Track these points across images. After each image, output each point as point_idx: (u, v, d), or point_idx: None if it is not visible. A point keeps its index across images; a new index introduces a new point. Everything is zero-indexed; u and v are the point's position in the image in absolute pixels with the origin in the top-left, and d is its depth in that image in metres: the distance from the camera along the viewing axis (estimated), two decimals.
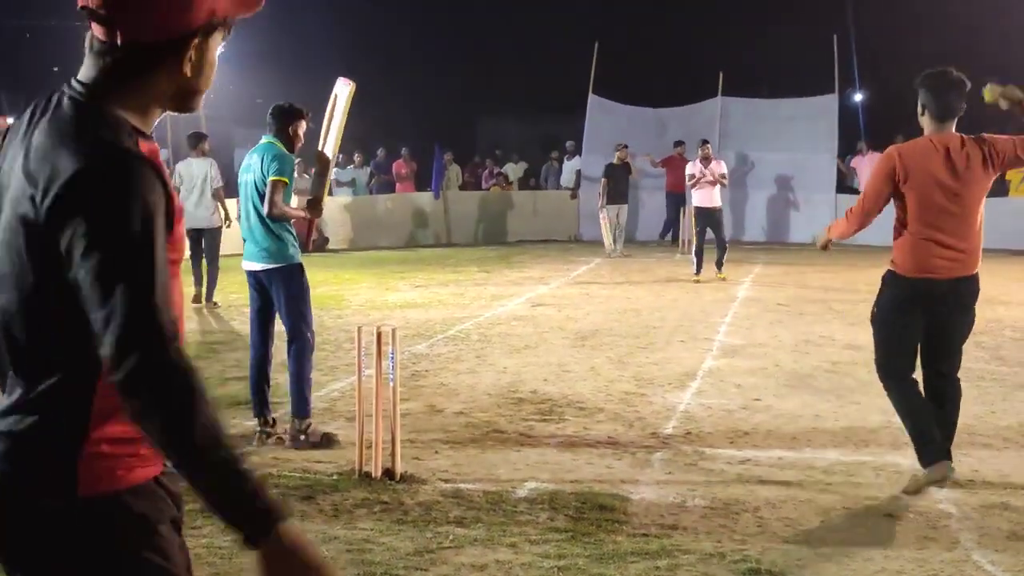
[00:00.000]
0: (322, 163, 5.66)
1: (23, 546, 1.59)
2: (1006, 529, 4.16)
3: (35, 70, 24.14)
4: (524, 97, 28.22)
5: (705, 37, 25.66)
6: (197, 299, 10.62)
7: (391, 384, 4.81)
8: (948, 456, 4.54)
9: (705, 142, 13.97)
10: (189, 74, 1.61)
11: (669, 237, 17.65)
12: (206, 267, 10.70)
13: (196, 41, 1.60)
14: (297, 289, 5.45)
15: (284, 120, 5.55)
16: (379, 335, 4.82)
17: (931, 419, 4.57)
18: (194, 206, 10.47)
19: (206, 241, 10.66)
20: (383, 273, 13.46)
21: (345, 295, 11.42)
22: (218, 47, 1.67)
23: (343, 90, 5.62)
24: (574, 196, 19.36)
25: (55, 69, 20.25)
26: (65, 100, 1.59)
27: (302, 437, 5.37)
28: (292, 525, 1.53)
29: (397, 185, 19.62)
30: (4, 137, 1.66)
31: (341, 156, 20.26)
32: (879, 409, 6.15)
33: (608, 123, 19.13)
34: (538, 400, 6.41)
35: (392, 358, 4.78)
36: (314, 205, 5.63)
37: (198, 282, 10.71)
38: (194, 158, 10.89)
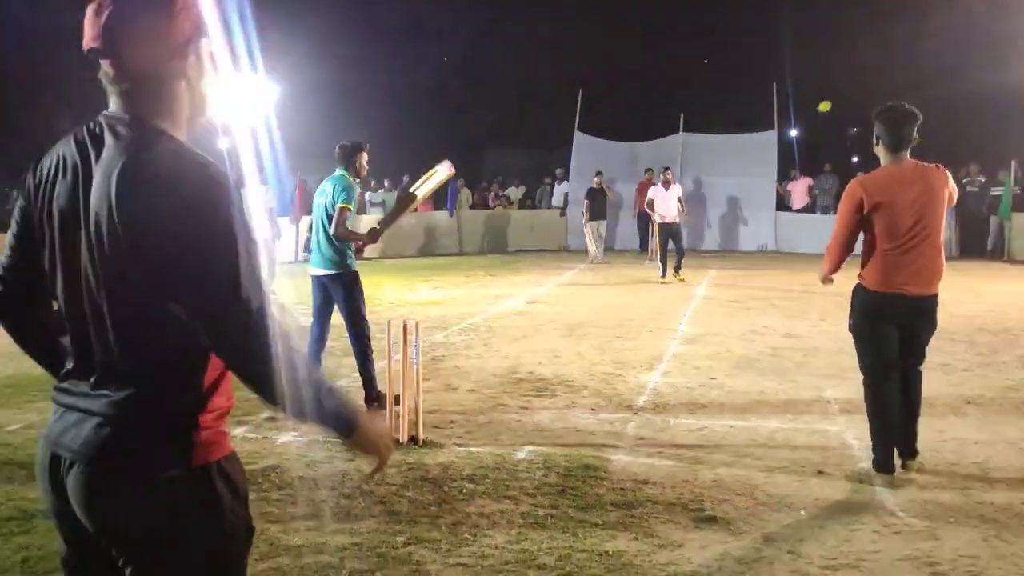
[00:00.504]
0: (399, 206, 5.64)
1: (133, 515, 1.48)
2: (915, 483, 4.14)
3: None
4: (523, 133, 28.22)
5: (669, 85, 25.67)
6: None
7: (415, 367, 4.79)
8: (912, 454, 4.23)
9: (667, 169, 13.91)
10: (195, 82, 1.57)
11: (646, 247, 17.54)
12: None
13: (192, 52, 1.55)
14: (352, 292, 5.51)
15: (350, 155, 5.62)
16: (405, 327, 4.81)
17: (894, 426, 4.23)
18: None
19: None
20: (407, 277, 13.42)
21: (376, 295, 11.38)
22: (207, 56, 1.59)
23: (444, 172, 5.64)
24: (563, 214, 19.36)
25: None
26: (125, 130, 1.50)
27: (375, 404, 5.39)
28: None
29: (418, 206, 19.60)
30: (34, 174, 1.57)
31: (373, 182, 20.28)
32: (811, 386, 6.15)
33: (590, 155, 19.14)
34: (534, 379, 6.39)
35: (416, 346, 4.77)
36: (373, 233, 5.58)
37: None
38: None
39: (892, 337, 4.21)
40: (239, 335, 1.46)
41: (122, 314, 1.49)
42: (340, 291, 5.50)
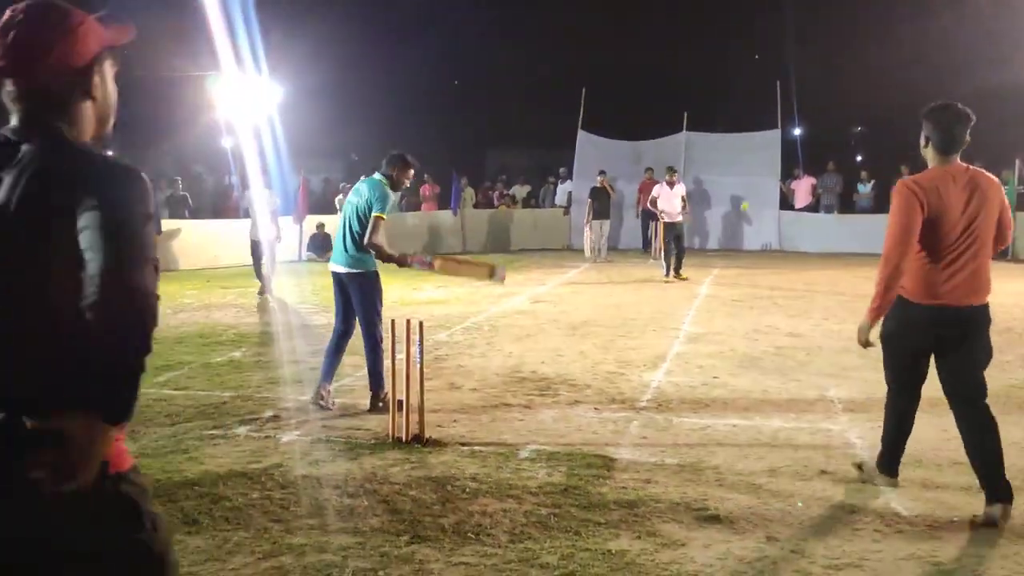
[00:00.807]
0: (435, 267, 5.64)
1: (54, 524, 1.56)
2: (918, 482, 4.14)
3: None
4: (526, 132, 28.23)
5: (672, 83, 25.65)
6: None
7: (418, 366, 4.80)
8: (1007, 497, 3.60)
9: (672, 170, 13.89)
10: (99, 99, 1.66)
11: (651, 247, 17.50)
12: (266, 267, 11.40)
13: (96, 71, 1.63)
14: (371, 292, 5.49)
15: (396, 166, 5.59)
16: (408, 326, 4.81)
17: (904, 439, 4.01)
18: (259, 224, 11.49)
19: (258, 250, 11.39)
20: (411, 276, 13.40)
21: None
22: (112, 73, 1.69)
23: (497, 277, 5.74)
24: (566, 213, 19.35)
25: None
26: (37, 139, 1.58)
27: (380, 404, 5.40)
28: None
29: (423, 205, 19.62)
30: None
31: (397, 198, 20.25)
32: (814, 386, 6.15)
33: (594, 154, 19.14)
34: (537, 379, 6.39)
35: (419, 345, 4.77)
36: (402, 259, 5.53)
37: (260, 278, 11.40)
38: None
39: (925, 354, 3.86)
40: (115, 312, 1.55)
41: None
42: (358, 290, 5.49)
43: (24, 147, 1.59)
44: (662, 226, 13.40)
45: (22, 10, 1.59)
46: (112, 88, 1.70)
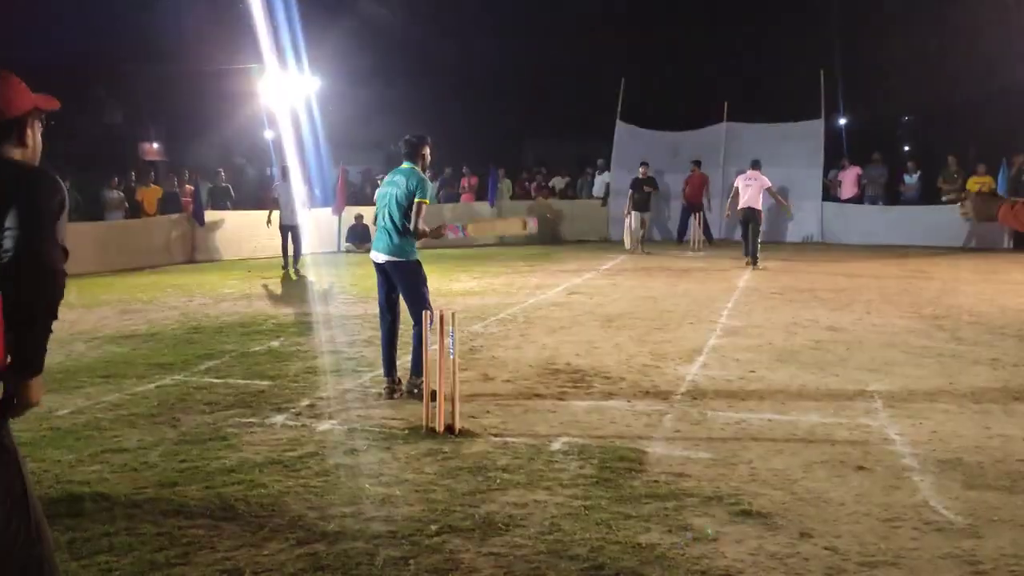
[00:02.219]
0: (468, 232, 6.08)
1: None
2: (959, 480, 4.05)
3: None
4: (563, 123, 28.13)
5: (713, 72, 25.34)
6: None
7: (452, 357, 4.83)
8: None
9: (755, 162, 14.20)
10: (28, 146, 2.23)
11: (687, 237, 17.34)
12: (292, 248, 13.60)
13: (27, 123, 2.21)
14: (416, 279, 5.60)
15: (416, 149, 5.71)
16: (442, 317, 4.84)
17: None
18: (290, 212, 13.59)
19: (293, 233, 13.56)
20: (448, 267, 13.50)
21: None
22: (39, 129, 2.30)
23: (530, 228, 6.06)
24: (604, 204, 19.27)
25: None
26: None
27: (415, 390, 5.49)
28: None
29: (461, 195, 19.68)
30: None
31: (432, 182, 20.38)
32: (854, 380, 6.05)
33: (632, 144, 19.02)
34: (571, 371, 6.38)
35: (452, 336, 4.80)
36: (436, 234, 5.79)
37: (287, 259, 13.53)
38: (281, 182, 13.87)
39: None
40: (26, 269, 2.15)
41: None
42: (403, 278, 5.58)
43: None
44: (740, 214, 13.70)
45: None
46: (39, 139, 2.28)
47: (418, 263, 5.63)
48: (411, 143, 5.73)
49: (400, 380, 5.69)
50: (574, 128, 27.36)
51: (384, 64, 24.05)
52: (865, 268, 13.16)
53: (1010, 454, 4.42)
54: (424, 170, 5.73)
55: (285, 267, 13.46)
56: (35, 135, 2.25)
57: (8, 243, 2.14)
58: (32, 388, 2.24)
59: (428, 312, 5.27)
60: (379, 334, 5.92)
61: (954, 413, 5.20)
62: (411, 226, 5.53)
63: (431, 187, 5.67)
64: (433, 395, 4.87)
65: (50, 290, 2.18)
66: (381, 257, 5.63)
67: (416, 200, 5.52)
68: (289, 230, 13.54)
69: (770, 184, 13.88)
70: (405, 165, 5.73)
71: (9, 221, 2.14)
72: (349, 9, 22.97)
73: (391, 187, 5.66)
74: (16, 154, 2.24)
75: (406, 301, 5.63)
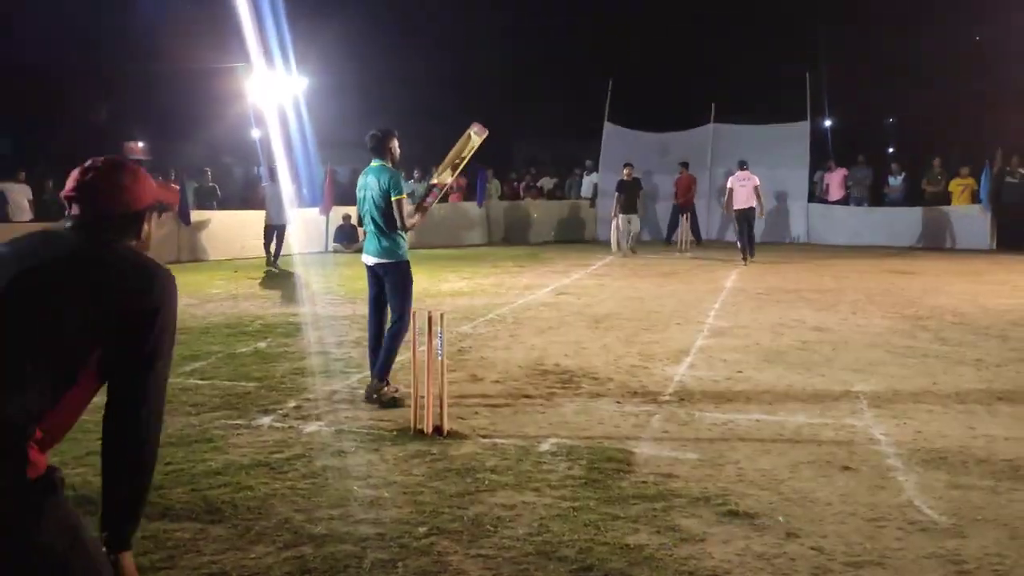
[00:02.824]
0: (441, 187, 5.81)
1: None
2: (943, 480, 4.08)
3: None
4: (552, 124, 28.16)
5: (700, 74, 25.43)
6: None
7: (440, 358, 4.82)
8: None
9: (743, 163, 14.87)
10: (143, 239, 2.09)
11: (675, 238, 17.34)
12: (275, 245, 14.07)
13: (145, 217, 2.07)
14: (404, 281, 5.58)
15: (383, 143, 5.64)
16: (430, 318, 4.83)
17: None
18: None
19: (279, 233, 14.10)
20: (437, 267, 13.49)
21: None
22: (155, 221, 2.16)
23: (475, 132, 5.79)
24: (592, 205, 19.30)
25: None
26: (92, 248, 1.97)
27: (375, 396, 5.45)
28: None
29: (449, 196, 19.65)
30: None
31: (403, 172, 20.35)
32: (840, 381, 6.08)
33: (620, 145, 19.06)
34: (560, 371, 6.39)
35: (441, 336, 4.79)
36: (424, 211, 5.72)
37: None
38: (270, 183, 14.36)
39: None
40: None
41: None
42: (393, 280, 5.57)
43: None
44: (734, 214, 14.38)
45: (102, 161, 2.04)
46: (152, 231, 2.13)
47: (407, 264, 5.63)
48: (377, 137, 5.64)
49: (389, 382, 5.66)
50: (562, 129, 27.40)
51: (372, 64, 24.00)
52: (850, 269, 13.24)
53: (994, 454, 4.45)
54: (394, 164, 5.67)
55: (269, 264, 13.88)
56: (151, 227, 2.15)
57: (126, 379, 1.86)
58: (124, 567, 1.89)
59: (406, 318, 5.30)
60: (366, 335, 5.90)
61: (938, 413, 5.24)
62: (399, 226, 5.52)
63: (402, 177, 5.63)
64: (396, 402, 4.83)
65: (148, 456, 1.90)
66: (372, 259, 5.63)
67: (393, 198, 5.48)
68: (276, 230, 13.94)
69: (758, 183, 14.29)
70: (374, 163, 5.65)
71: (130, 339, 1.85)
72: (337, 8, 22.90)
73: (366, 190, 5.62)
74: (131, 244, 2.09)
75: (392, 302, 5.61)
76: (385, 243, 5.55)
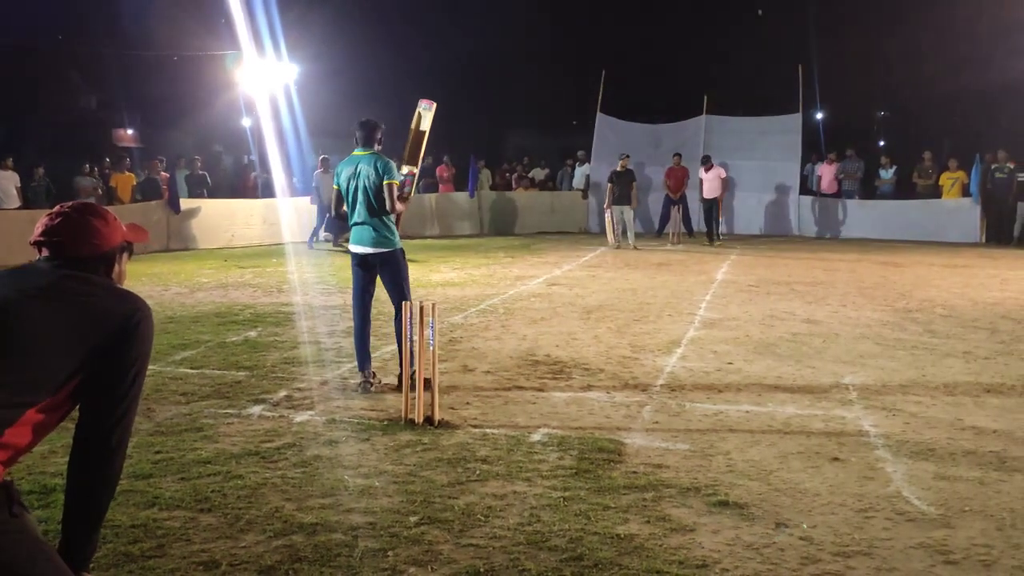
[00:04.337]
0: (410, 172, 5.95)
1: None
2: (931, 471, 4.11)
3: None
4: (544, 114, 28.11)
5: (692, 65, 25.43)
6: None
7: (431, 348, 4.82)
8: None
9: (705, 156, 16.64)
10: (115, 279, 2.10)
11: (667, 229, 17.28)
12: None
13: (116, 258, 2.10)
14: (400, 268, 5.58)
15: (373, 132, 5.62)
16: (422, 308, 4.82)
17: None
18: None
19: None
20: (428, 258, 13.47)
21: None
22: (127, 261, 2.18)
23: (427, 111, 5.81)
24: (584, 196, 19.27)
25: None
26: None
27: (398, 381, 5.50)
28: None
29: (440, 186, 19.61)
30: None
31: (395, 162, 20.28)
32: (830, 373, 6.11)
33: (612, 136, 19.05)
34: (551, 362, 6.40)
35: (432, 327, 4.79)
36: (404, 200, 5.74)
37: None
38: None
39: None
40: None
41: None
42: (389, 268, 5.56)
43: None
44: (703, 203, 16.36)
45: (70, 207, 2.08)
46: (126, 270, 2.17)
47: (402, 251, 5.62)
48: (367, 126, 5.60)
49: (375, 373, 5.65)
50: (555, 120, 27.36)
51: (364, 52, 23.88)
52: (841, 261, 13.29)
53: (981, 445, 4.49)
54: (382, 149, 5.66)
55: (337, 244, 15.42)
56: (123, 265, 2.17)
57: (95, 416, 1.91)
58: None
59: (408, 303, 5.24)
60: (338, 327, 5.87)
61: (927, 405, 5.28)
62: (388, 208, 5.46)
63: (394, 165, 5.62)
64: (427, 384, 4.83)
65: (115, 479, 1.96)
66: (366, 249, 5.55)
67: (386, 182, 5.45)
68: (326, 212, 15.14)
69: (724, 175, 16.73)
70: (362, 151, 5.59)
71: (103, 364, 1.90)
72: None
73: (355, 179, 5.53)
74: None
75: (389, 291, 5.60)
76: (380, 232, 5.51)
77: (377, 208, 5.49)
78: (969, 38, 20.51)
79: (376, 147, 5.61)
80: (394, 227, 5.59)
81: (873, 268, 12.46)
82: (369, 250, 5.56)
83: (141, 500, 3.66)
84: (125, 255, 2.17)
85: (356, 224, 5.60)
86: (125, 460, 1.97)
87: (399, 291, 5.56)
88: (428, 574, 3.05)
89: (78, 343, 1.86)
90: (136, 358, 1.95)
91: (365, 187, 5.51)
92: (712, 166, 16.51)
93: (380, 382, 5.64)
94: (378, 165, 5.51)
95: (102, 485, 1.94)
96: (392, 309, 5.72)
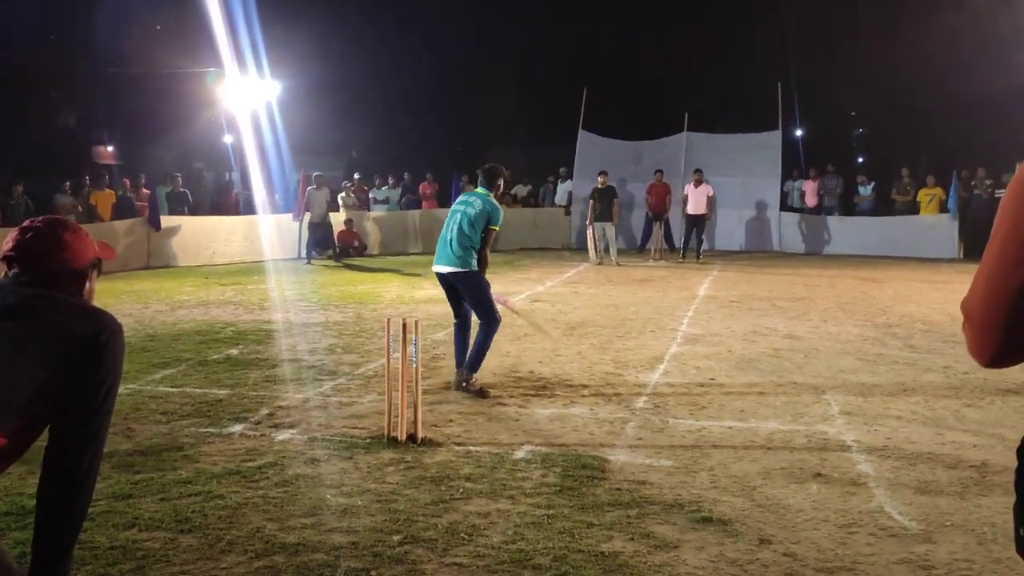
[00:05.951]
0: (507, 304, 6.52)
1: None
2: (912, 486, 4.14)
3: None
4: (526, 131, 28.24)
5: (673, 83, 25.68)
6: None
7: (414, 365, 4.81)
8: None
9: (697, 171, 16.63)
10: (85, 295, 2.10)
11: (649, 245, 17.31)
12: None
13: (87, 275, 2.10)
14: (479, 287, 5.96)
15: (493, 178, 6.14)
16: (405, 325, 4.81)
17: None
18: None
19: (324, 230, 15.94)
20: (410, 274, 13.44)
21: (379, 292, 11.41)
22: (96, 278, 2.19)
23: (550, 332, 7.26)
24: (567, 212, 19.34)
25: None
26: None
27: (463, 384, 5.88)
28: None
29: (423, 203, 19.62)
30: None
31: (377, 179, 20.31)
32: (811, 388, 6.15)
33: (594, 153, 19.16)
34: (534, 379, 6.40)
35: (415, 344, 4.78)
36: (485, 264, 6.07)
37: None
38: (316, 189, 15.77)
39: None
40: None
41: None
42: (467, 288, 5.95)
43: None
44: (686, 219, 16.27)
45: (41, 221, 2.09)
46: (95, 287, 2.18)
47: (478, 272, 5.98)
48: (488, 171, 6.18)
49: (467, 373, 6.00)
50: (537, 136, 27.49)
51: (346, 69, 23.92)
52: (821, 277, 13.40)
53: (962, 460, 4.52)
54: (498, 199, 6.10)
55: (332, 256, 15.92)
56: (93, 284, 2.17)
57: (66, 438, 1.89)
58: None
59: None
60: (340, 342, 5.95)
61: (908, 420, 5.32)
62: (480, 249, 5.91)
63: (501, 215, 6.02)
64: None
65: (86, 503, 1.95)
66: (445, 268, 5.97)
67: (488, 226, 5.92)
68: (319, 227, 15.76)
69: (712, 193, 16.52)
70: (480, 190, 6.10)
71: (75, 394, 1.89)
72: (310, 14, 22.81)
73: (462, 206, 6.08)
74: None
75: (474, 307, 6.04)
76: (461, 252, 5.90)
77: (469, 237, 5.90)
78: (946, 56, 20.85)
79: (494, 191, 6.09)
80: (473, 251, 5.92)
81: (853, 284, 12.57)
82: (447, 269, 5.97)
83: (120, 521, 3.61)
84: (95, 272, 2.17)
85: (442, 244, 6.04)
86: (99, 482, 1.97)
87: (480, 307, 5.98)
88: None
89: (45, 364, 1.84)
90: (105, 377, 1.92)
91: (467, 215, 5.96)
92: (703, 182, 16.46)
93: (476, 383, 5.91)
94: (488, 206, 5.97)
95: (74, 509, 1.90)
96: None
